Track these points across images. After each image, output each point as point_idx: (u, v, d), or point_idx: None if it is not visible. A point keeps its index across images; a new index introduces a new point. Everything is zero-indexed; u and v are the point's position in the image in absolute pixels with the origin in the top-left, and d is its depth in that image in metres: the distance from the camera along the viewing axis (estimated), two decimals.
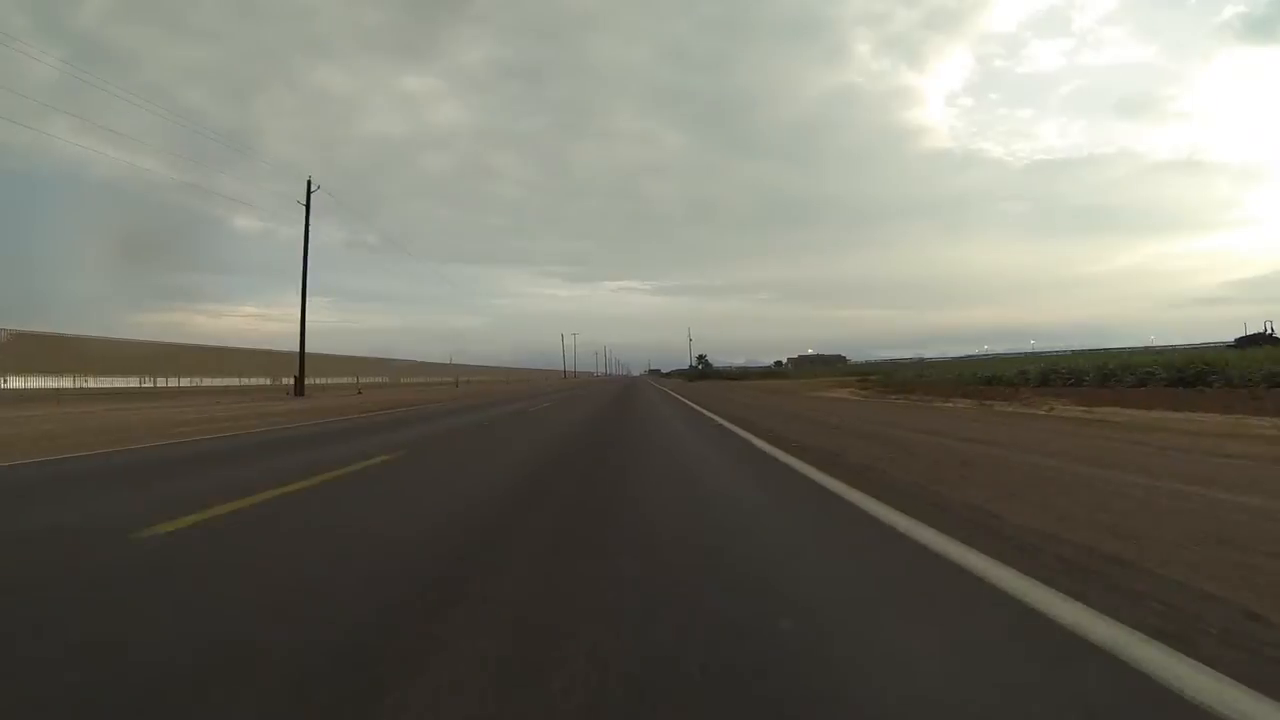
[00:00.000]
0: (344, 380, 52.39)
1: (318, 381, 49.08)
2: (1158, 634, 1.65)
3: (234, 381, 45.77)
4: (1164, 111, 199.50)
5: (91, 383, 35.20)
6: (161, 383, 39.12)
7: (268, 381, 49.34)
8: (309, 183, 28.18)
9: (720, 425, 8.96)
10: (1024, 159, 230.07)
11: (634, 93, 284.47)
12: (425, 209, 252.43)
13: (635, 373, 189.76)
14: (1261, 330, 35.92)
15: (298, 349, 31.52)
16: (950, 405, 12.83)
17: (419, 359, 77.43)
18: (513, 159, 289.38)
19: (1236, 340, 34.92)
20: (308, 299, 29.64)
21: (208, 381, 43.71)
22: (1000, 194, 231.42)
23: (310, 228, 27.83)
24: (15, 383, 29.66)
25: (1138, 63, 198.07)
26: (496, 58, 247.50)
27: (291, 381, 32.29)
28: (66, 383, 33.40)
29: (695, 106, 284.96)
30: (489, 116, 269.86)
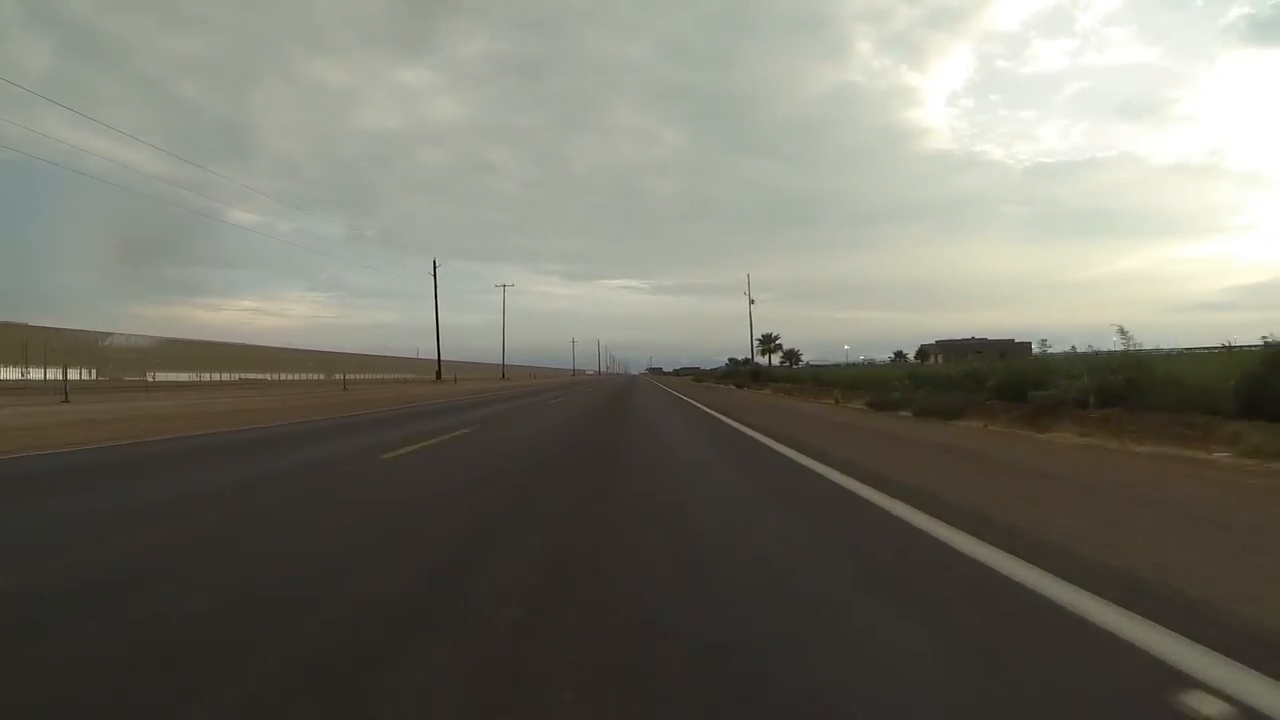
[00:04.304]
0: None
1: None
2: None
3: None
4: (1167, 115, 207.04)
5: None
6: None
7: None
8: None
9: None
10: (1025, 161, 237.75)
11: (633, 89, 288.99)
12: (423, 204, 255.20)
13: (635, 371, 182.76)
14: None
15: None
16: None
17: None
18: (510, 155, 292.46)
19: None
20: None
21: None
22: (1001, 196, 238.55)
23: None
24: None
25: (1141, 64, 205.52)
26: (493, 51, 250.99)
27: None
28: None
29: (695, 103, 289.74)
30: (486, 111, 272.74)
